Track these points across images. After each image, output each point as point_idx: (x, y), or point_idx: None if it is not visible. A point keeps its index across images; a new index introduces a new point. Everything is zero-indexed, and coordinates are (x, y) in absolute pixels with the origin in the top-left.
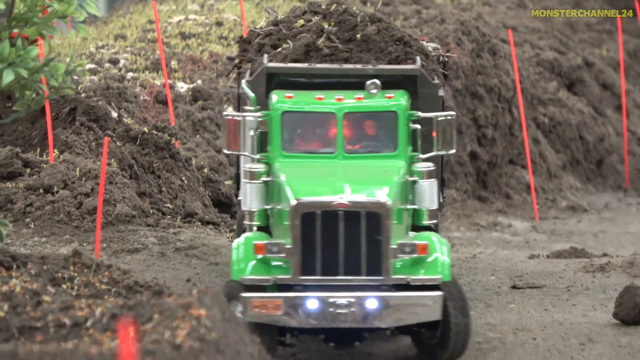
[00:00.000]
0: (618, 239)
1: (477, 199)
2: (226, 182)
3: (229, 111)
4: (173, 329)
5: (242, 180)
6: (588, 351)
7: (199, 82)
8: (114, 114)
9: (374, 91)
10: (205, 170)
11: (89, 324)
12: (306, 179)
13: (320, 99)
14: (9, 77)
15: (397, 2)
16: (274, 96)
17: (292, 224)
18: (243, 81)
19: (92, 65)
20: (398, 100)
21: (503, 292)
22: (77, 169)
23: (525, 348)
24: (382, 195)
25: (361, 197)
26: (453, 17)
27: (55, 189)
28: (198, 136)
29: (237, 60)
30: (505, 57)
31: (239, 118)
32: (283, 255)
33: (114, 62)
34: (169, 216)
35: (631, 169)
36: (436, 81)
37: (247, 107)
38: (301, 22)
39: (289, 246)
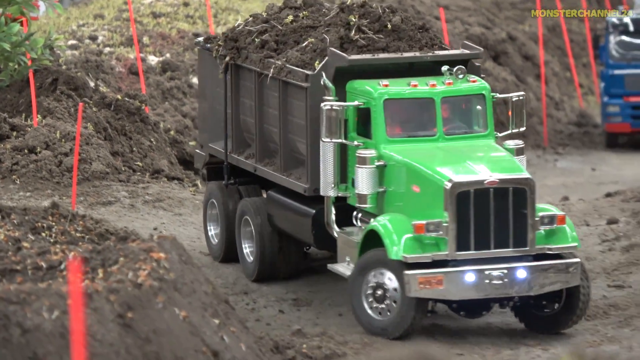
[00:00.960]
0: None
1: None
2: (190, 143)
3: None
4: (135, 270)
5: (356, 166)
6: None
7: (168, 55)
8: (92, 84)
9: (461, 76)
10: (172, 132)
11: (62, 267)
12: (434, 161)
13: (414, 85)
14: None
15: None
16: (366, 86)
17: (448, 203)
18: (323, 74)
19: (73, 41)
20: (483, 83)
21: None
22: (58, 131)
23: None
24: (525, 172)
25: (509, 175)
26: None
27: (38, 150)
28: (167, 103)
29: (227, 58)
30: (438, 32)
31: (338, 108)
32: (441, 233)
33: (93, 38)
34: (139, 173)
35: (549, 129)
36: (477, 64)
37: (326, 98)
38: (290, 17)
39: (445, 224)
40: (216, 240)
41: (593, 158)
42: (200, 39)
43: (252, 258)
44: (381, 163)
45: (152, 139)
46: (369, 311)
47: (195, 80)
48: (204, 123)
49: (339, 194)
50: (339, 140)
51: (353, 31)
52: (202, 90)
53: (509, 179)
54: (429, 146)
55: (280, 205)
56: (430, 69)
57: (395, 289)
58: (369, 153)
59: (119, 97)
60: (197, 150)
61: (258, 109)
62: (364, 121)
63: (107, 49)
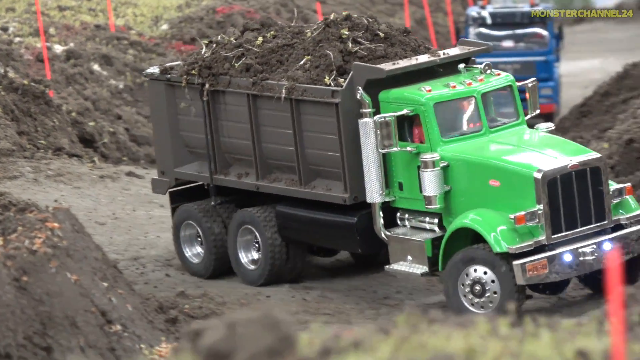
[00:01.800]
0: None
1: None
2: (90, 124)
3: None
4: (32, 238)
5: (422, 170)
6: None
7: (72, 44)
8: (1, 70)
9: (489, 71)
10: (74, 114)
11: None
12: (507, 155)
13: (454, 86)
14: None
15: None
16: (409, 94)
17: (540, 192)
18: (359, 88)
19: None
20: (507, 75)
21: None
22: None
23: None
24: (593, 152)
25: (584, 157)
26: None
27: None
28: (70, 87)
29: (207, 85)
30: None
31: (391, 118)
32: (537, 221)
33: (4, 29)
34: (42, 150)
35: None
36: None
37: (364, 110)
38: (260, 39)
39: (540, 212)
40: (199, 259)
41: None
42: (152, 70)
43: (253, 266)
44: (445, 164)
45: (55, 120)
46: (471, 308)
47: (96, 67)
48: (163, 150)
49: (386, 200)
50: (395, 149)
51: (350, 43)
52: (156, 120)
53: (585, 160)
54: (483, 141)
55: (300, 218)
56: (440, 69)
57: (493, 281)
58: (433, 156)
59: (25, 82)
60: (156, 177)
61: (255, 129)
62: (405, 127)
63: (17, 39)
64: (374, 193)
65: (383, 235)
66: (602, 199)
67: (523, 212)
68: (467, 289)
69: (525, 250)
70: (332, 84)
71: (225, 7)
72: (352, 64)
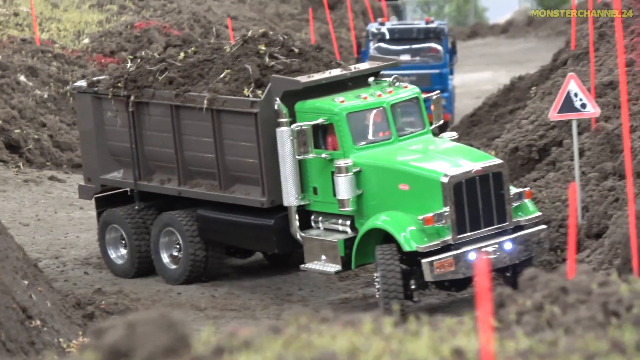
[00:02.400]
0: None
1: None
2: (16, 131)
3: (291, 125)
4: None
5: (336, 176)
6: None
7: (0, 57)
8: None
9: (397, 84)
10: (0, 122)
11: None
12: (415, 161)
13: (365, 97)
14: None
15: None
16: (323, 104)
17: (446, 195)
18: (277, 99)
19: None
20: (414, 88)
21: None
22: None
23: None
24: (495, 158)
25: (487, 163)
26: (187, 9)
27: None
28: None
29: (133, 97)
30: (225, 39)
31: (307, 127)
32: (443, 222)
33: None
34: None
35: None
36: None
37: (281, 120)
38: (182, 55)
39: (446, 213)
40: (123, 260)
41: None
42: (79, 84)
43: (175, 266)
44: (357, 169)
45: None
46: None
47: (22, 78)
48: (89, 158)
49: (301, 203)
50: (310, 156)
51: (267, 58)
52: (83, 130)
53: (488, 166)
54: (392, 148)
55: (220, 220)
56: (350, 81)
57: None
58: (346, 162)
59: None
60: (82, 184)
61: (177, 138)
62: (320, 136)
63: None
64: (290, 197)
65: (298, 237)
66: (503, 202)
67: (431, 214)
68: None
69: (432, 249)
70: (250, 96)
71: (142, 23)
72: (269, 77)
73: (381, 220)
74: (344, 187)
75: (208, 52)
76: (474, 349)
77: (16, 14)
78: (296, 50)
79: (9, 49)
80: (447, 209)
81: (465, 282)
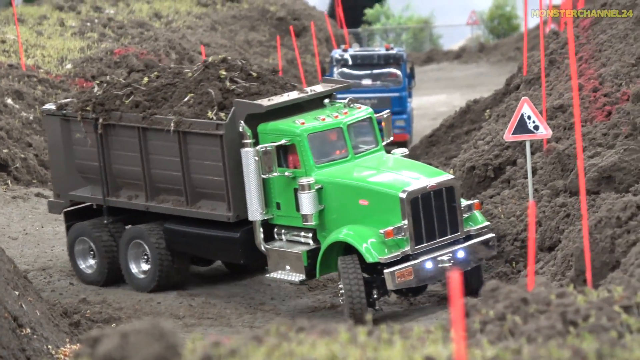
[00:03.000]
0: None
1: None
2: (4, 151)
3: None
4: None
5: (299, 192)
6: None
7: None
8: None
9: (352, 105)
10: None
11: None
12: (373, 177)
13: (323, 119)
14: None
15: (127, 27)
16: (285, 126)
17: (405, 209)
18: (241, 122)
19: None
20: (367, 108)
21: None
22: None
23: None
24: (447, 174)
25: (440, 178)
26: (163, 37)
27: None
28: None
29: (101, 120)
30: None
31: (271, 148)
32: (403, 234)
33: None
34: None
35: None
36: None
37: (246, 141)
38: (146, 79)
39: (405, 226)
40: (92, 270)
41: None
42: (49, 107)
43: (143, 275)
44: (319, 186)
45: None
46: (341, 302)
47: (9, 101)
48: (59, 176)
49: (265, 217)
50: (275, 175)
51: (228, 82)
52: (52, 150)
53: (442, 181)
54: (351, 166)
55: (188, 234)
56: (306, 103)
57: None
58: (309, 180)
59: None
60: (52, 199)
61: (144, 157)
62: (281, 155)
63: None
64: (255, 212)
65: (263, 248)
66: (455, 214)
67: (391, 227)
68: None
69: (393, 260)
70: (214, 118)
71: (121, 49)
72: (232, 100)
73: (344, 233)
74: (307, 203)
75: (170, 76)
76: (444, 356)
77: (3, 42)
78: (254, 74)
79: None
80: (405, 222)
81: (420, 288)
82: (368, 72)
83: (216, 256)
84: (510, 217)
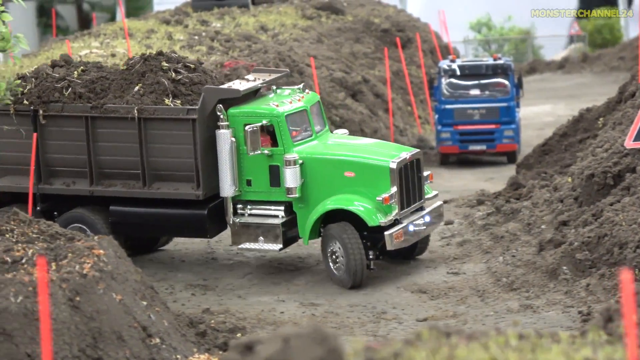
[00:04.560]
0: None
1: None
2: None
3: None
4: (81, 263)
5: (285, 168)
6: (367, 274)
7: None
8: None
9: (307, 90)
10: None
11: (23, 261)
12: (356, 152)
13: (291, 102)
14: None
15: (234, 40)
16: (263, 109)
17: (394, 178)
18: (220, 106)
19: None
20: (315, 94)
21: None
22: None
23: (325, 273)
24: (415, 148)
25: (410, 152)
26: (273, 49)
27: None
28: None
29: (41, 111)
30: (309, 76)
31: (257, 128)
32: (394, 201)
33: None
34: None
35: None
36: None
37: (222, 123)
38: (77, 72)
39: (395, 194)
40: None
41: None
42: None
43: None
44: (301, 162)
45: None
46: (332, 269)
47: None
48: None
49: (236, 193)
50: (259, 152)
51: (172, 73)
52: None
53: (414, 154)
54: (321, 143)
55: (143, 214)
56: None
57: (341, 252)
58: (293, 156)
59: None
60: None
61: (92, 145)
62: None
63: None
64: (228, 189)
65: (232, 222)
66: (422, 183)
67: (388, 194)
68: (330, 255)
69: (389, 223)
70: (171, 105)
71: (231, 62)
72: (203, 87)
73: (343, 202)
74: (292, 177)
75: (94, 70)
76: (601, 358)
77: (113, 55)
78: (191, 65)
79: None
80: (395, 189)
81: (410, 250)
82: (476, 82)
83: (179, 234)
84: (632, 225)
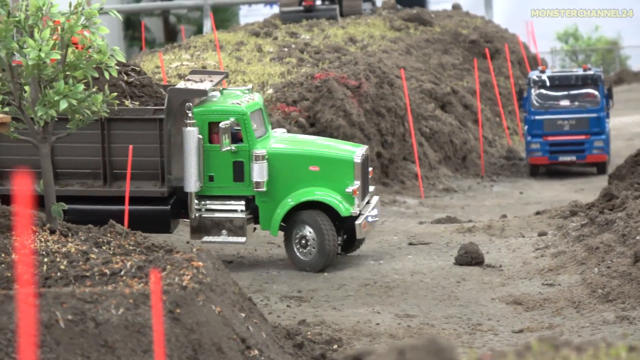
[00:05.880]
0: (478, 210)
1: (382, 184)
2: None
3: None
4: (180, 275)
5: (253, 163)
6: (462, 286)
7: None
8: None
9: (254, 92)
10: None
11: (122, 273)
12: (319, 147)
13: (248, 101)
14: (64, 105)
15: (324, 52)
16: (229, 107)
17: (358, 172)
18: (190, 105)
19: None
20: (260, 95)
21: (403, 247)
22: None
23: (419, 285)
24: (364, 145)
25: (364, 147)
26: (363, 61)
27: None
28: None
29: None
30: (399, 87)
31: (228, 125)
32: (359, 192)
33: None
34: None
35: (485, 162)
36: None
37: (190, 122)
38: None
39: (358, 186)
40: None
41: (520, 184)
42: None
43: None
44: (266, 157)
45: None
46: (299, 254)
47: None
48: None
49: (199, 189)
50: (229, 148)
51: (124, 75)
52: None
53: (365, 149)
54: (278, 140)
55: (103, 212)
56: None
57: (312, 235)
58: (262, 152)
59: None
60: None
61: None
62: (212, 133)
63: None
64: (193, 184)
65: (194, 217)
66: (369, 177)
67: (355, 187)
68: (297, 241)
69: (355, 214)
70: (130, 106)
71: (322, 74)
72: (168, 88)
73: (316, 193)
74: (260, 172)
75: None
76: None
77: (204, 67)
78: (137, 68)
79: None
80: (358, 182)
81: (351, 244)
82: (566, 93)
83: (143, 230)
84: None
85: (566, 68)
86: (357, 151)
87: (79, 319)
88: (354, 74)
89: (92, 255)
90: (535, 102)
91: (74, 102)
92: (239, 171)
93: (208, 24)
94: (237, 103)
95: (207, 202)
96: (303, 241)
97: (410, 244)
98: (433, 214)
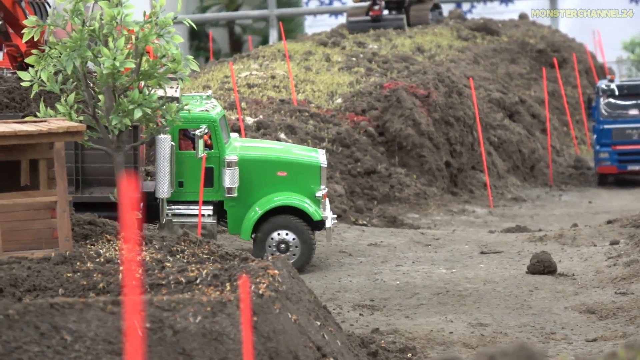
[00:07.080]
0: (547, 219)
1: (451, 194)
2: None
3: None
4: (256, 283)
5: (226, 168)
6: (535, 295)
7: (261, 116)
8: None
9: (212, 99)
10: None
11: (198, 281)
12: (287, 153)
13: (214, 107)
14: (138, 114)
15: (392, 61)
16: (201, 114)
17: (324, 176)
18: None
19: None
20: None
21: (475, 256)
22: None
23: (492, 294)
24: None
25: (321, 151)
26: (432, 70)
27: None
28: None
29: None
30: (467, 97)
31: (203, 131)
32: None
33: None
34: None
35: (554, 172)
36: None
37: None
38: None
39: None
40: None
41: (588, 193)
42: None
43: None
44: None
45: None
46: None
47: (282, 135)
48: None
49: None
50: (202, 155)
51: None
52: None
53: (323, 152)
54: (242, 146)
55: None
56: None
57: (294, 239)
58: (234, 158)
59: None
60: None
61: None
62: (188, 139)
63: None
64: (164, 190)
65: (164, 222)
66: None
67: (324, 191)
68: (275, 246)
69: (325, 218)
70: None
71: (391, 83)
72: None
73: (290, 199)
74: (232, 177)
75: (13, 80)
76: None
77: (273, 77)
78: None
79: (269, 109)
80: (324, 187)
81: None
82: (635, 102)
83: None
84: None
85: (632, 77)
86: (319, 156)
87: (157, 327)
88: (423, 84)
89: (167, 264)
90: (603, 111)
91: (149, 110)
92: (209, 177)
93: (274, 34)
94: (206, 110)
95: (176, 207)
96: (282, 245)
97: (482, 252)
98: (502, 223)
